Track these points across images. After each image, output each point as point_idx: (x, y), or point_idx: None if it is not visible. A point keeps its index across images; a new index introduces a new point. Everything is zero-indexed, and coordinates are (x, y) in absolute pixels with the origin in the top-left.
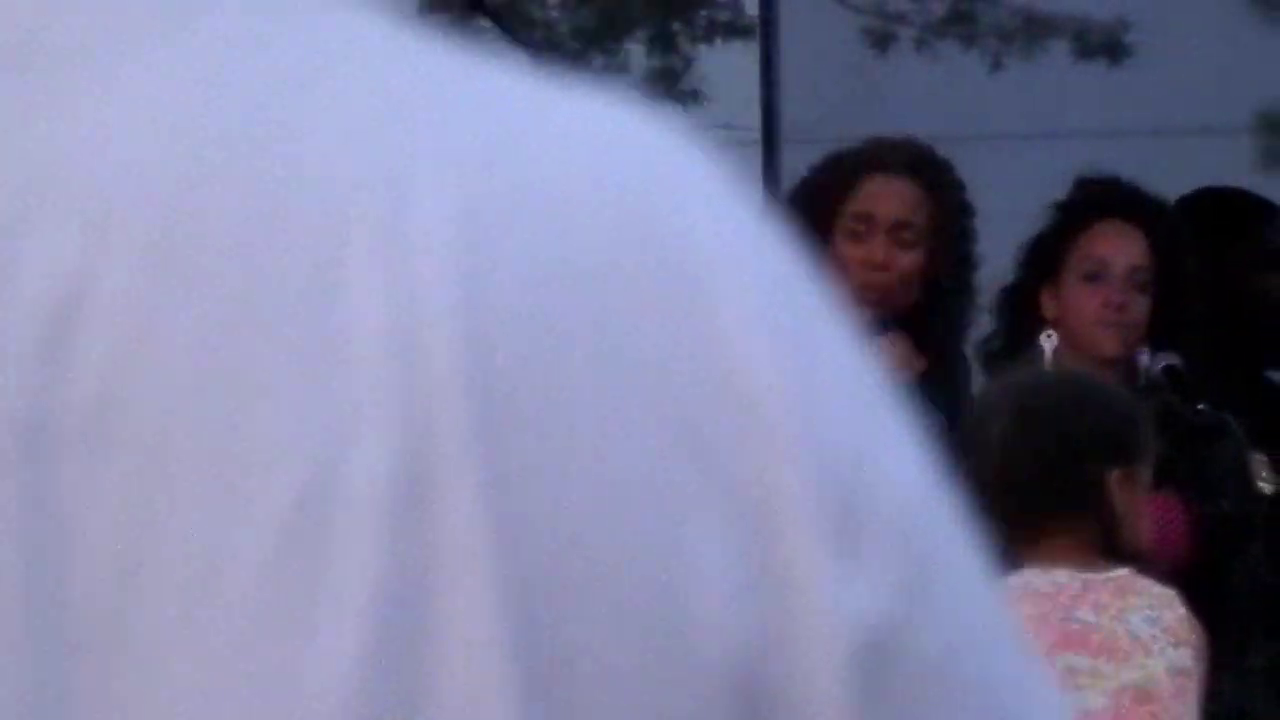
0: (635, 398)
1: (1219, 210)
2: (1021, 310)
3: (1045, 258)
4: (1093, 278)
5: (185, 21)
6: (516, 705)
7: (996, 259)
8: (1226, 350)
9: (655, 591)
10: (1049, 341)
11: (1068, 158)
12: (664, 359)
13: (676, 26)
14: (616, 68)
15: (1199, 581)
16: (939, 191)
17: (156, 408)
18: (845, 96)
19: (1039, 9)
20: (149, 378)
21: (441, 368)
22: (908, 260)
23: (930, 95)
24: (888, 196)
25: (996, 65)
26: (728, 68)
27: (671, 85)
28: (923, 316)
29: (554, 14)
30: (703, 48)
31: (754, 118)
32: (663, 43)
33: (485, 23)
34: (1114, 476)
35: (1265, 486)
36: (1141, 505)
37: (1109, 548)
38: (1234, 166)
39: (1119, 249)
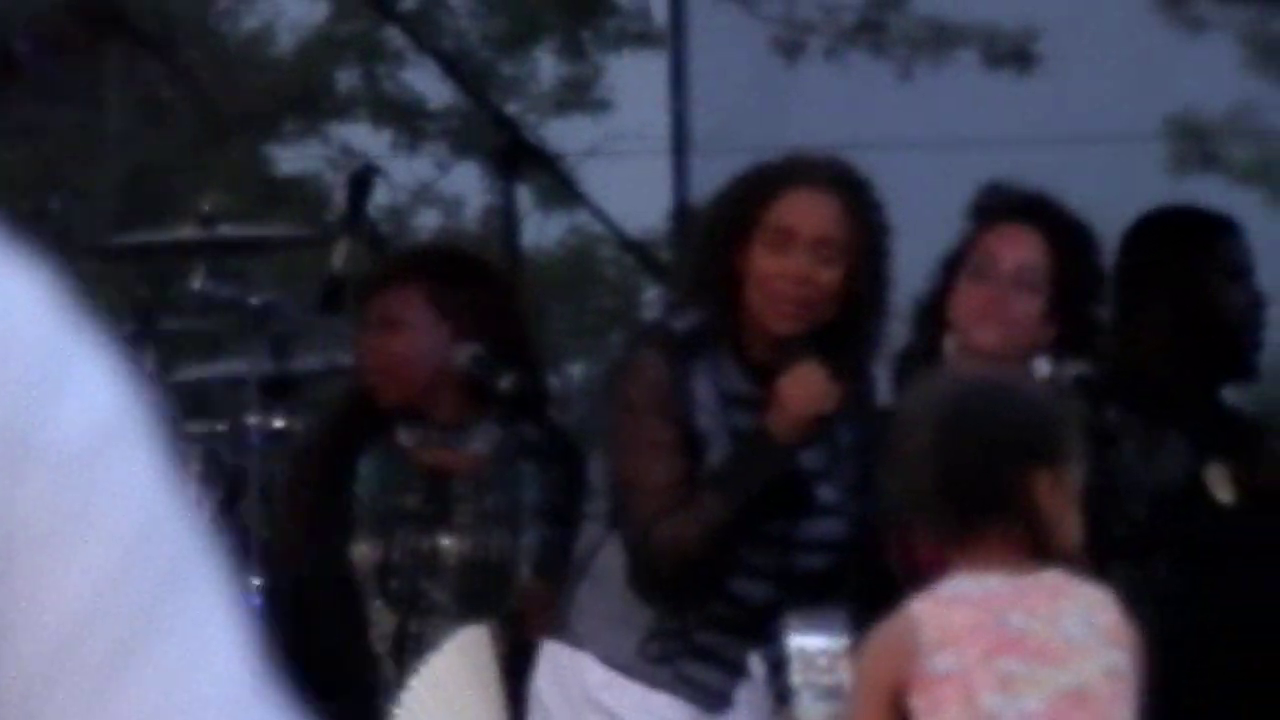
0: None
1: (1180, 226)
2: (937, 320)
3: (952, 265)
4: (979, 276)
5: None
6: None
7: (907, 267)
8: (1189, 364)
9: None
10: (950, 342)
11: (978, 165)
12: None
13: (586, 35)
14: (526, 76)
15: None
16: (861, 209)
17: None
18: (754, 105)
19: (948, 18)
20: None
21: None
22: (828, 276)
23: (840, 104)
24: (810, 211)
25: (906, 74)
26: (637, 77)
27: (581, 94)
28: (840, 335)
29: (464, 22)
30: (612, 57)
31: (663, 126)
32: (572, 51)
33: (395, 31)
34: (1041, 478)
35: (1224, 496)
36: (1070, 506)
37: (1039, 550)
38: (1145, 172)
39: (1008, 248)
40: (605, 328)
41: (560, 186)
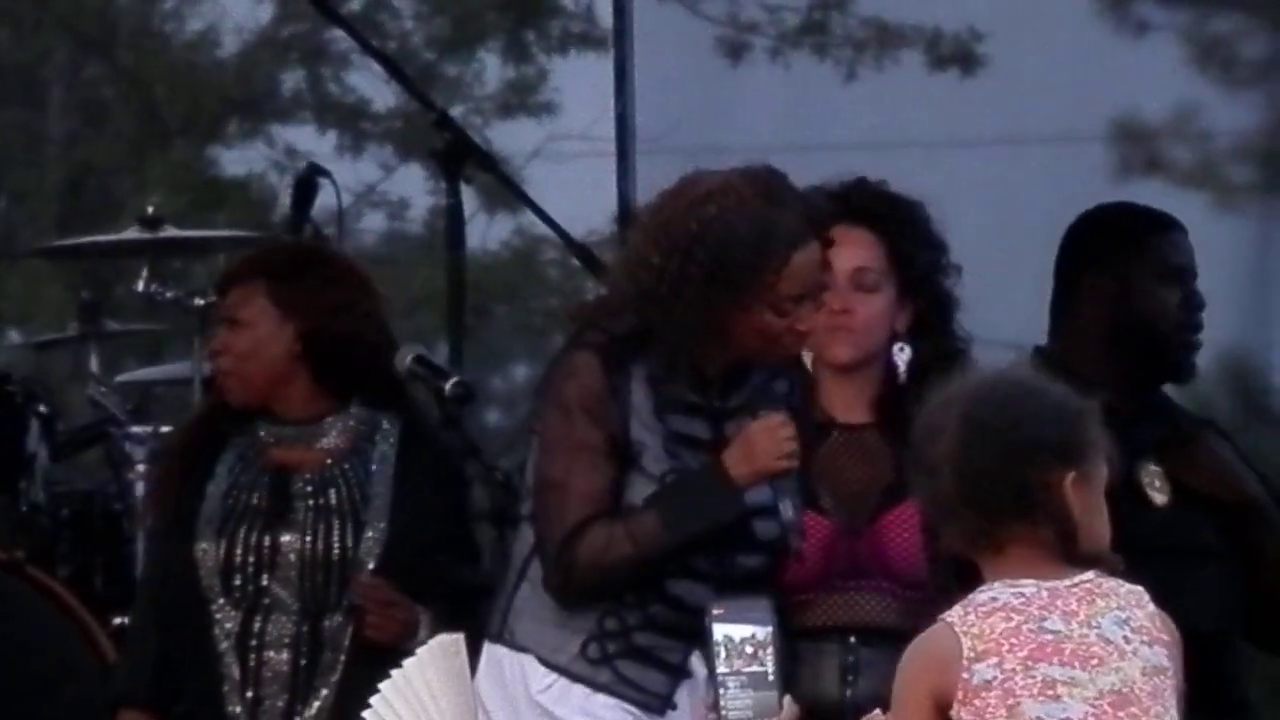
0: None
1: (1116, 225)
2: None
3: None
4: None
5: None
6: None
7: None
8: (1124, 363)
9: None
10: (901, 355)
11: (922, 167)
12: None
13: (530, 37)
14: (470, 78)
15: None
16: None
17: None
18: (699, 107)
19: (891, 20)
20: None
21: None
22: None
23: (784, 105)
24: (817, 266)
25: (850, 75)
26: (582, 78)
27: (525, 96)
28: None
29: (408, 24)
30: (557, 58)
31: (608, 128)
32: (517, 53)
33: (339, 33)
34: (1068, 479)
35: (1157, 497)
36: (1098, 504)
37: (1069, 551)
38: (1088, 175)
39: (839, 255)
40: (550, 329)
41: (504, 188)
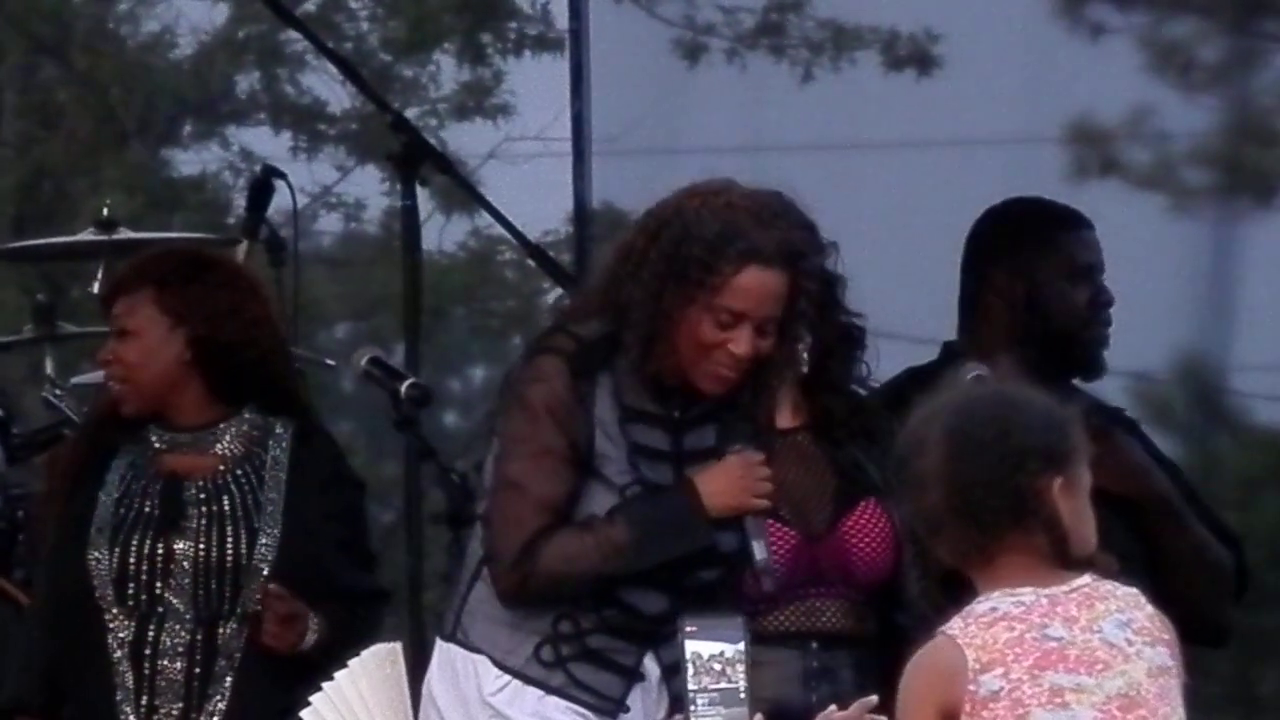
0: None
1: (1025, 223)
2: None
3: None
4: None
5: None
6: None
7: None
8: (1033, 358)
9: None
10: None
11: (878, 168)
12: None
13: (486, 39)
14: (426, 80)
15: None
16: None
17: None
18: (656, 108)
19: (848, 21)
20: None
21: None
22: (765, 346)
23: (740, 106)
24: (761, 292)
25: (806, 76)
26: (538, 80)
27: (481, 98)
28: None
29: (364, 26)
30: (513, 60)
31: (564, 129)
32: (472, 55)
33: (295, 35)
34: (1056, 484)
35: None
36: (1085, 507)
37: (1062, 556)
38: (1043, 177)
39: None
40: (507, 331)
41: (461, 190)
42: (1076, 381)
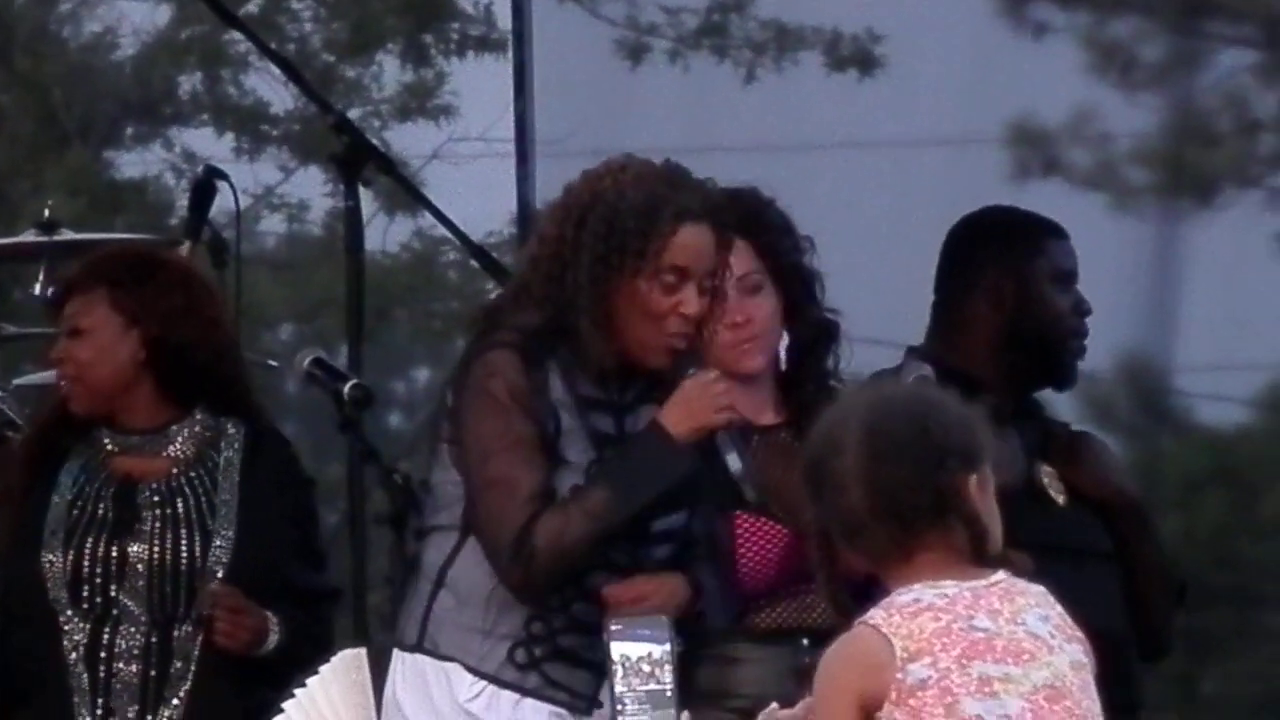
0: None
1: (1015, 228)
2: None
3: None
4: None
5: None
6: None
7: None
8: (1013, 365)
9: None
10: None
11: (821, 169)
12: None
13: (429, 40)
14: (369, 80)
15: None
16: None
17: None
18: (599, 109)
19: (790, 22)
20: None
21: None
22: (704, 304)
23: (683, 107)
24: (701, 248)
25: (749, 77)
26: (480, 81)
27: (424, 99)
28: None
29: (307, 27)
30: (455, 61)
31: (507, 130)
32: (415, 56)
33: (237, 36)
34: (971, 481)
35: (1058, 497)
36: (994, 506)
37: (980, 553)
38: (986, 178)
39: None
40: (450, 332)
41: (404, 191)
42: (1041, 394)
